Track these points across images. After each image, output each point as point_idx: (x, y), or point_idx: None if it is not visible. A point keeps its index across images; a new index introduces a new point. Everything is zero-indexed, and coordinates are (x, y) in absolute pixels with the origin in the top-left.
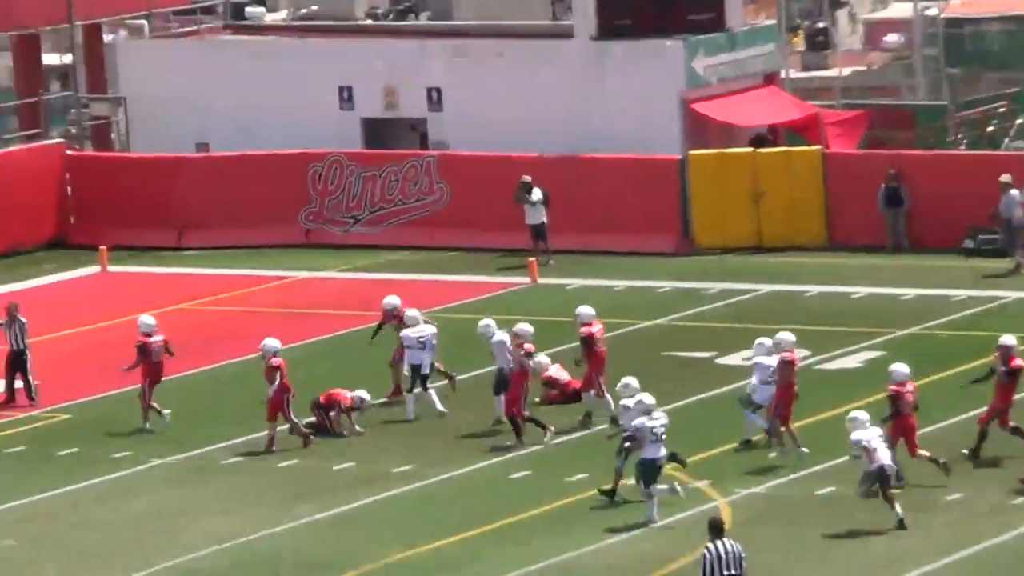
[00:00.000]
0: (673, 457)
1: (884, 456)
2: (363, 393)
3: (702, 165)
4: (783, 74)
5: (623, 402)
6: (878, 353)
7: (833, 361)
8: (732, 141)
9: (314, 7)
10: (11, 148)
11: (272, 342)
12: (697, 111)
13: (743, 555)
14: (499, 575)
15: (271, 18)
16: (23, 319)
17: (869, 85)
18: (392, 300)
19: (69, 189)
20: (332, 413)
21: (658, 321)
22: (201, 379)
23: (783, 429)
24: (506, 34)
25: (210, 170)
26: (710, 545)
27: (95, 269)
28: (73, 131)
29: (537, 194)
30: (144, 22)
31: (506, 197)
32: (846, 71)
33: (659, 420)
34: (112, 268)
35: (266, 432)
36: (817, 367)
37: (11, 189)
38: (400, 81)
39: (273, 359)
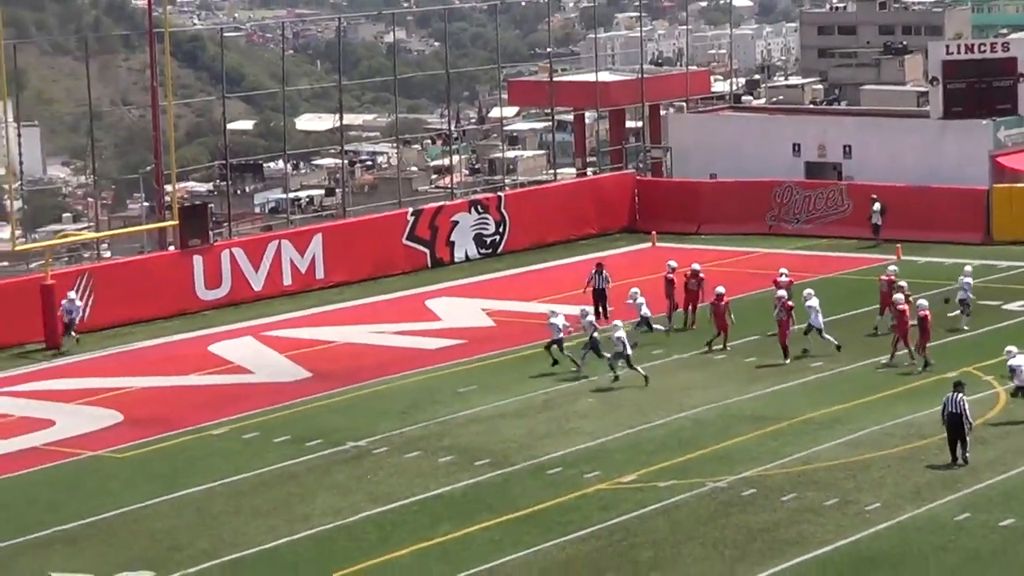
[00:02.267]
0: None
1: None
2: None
3: (1000, 193)
4: None
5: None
6: None
7: None
8: (1020, 180)
9: (781, 96)
10: (604, 175)
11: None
12: (999, 162)
13: (965, 404)
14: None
15: (756, 103)
16: (606, 273)
17: None
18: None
19: (636, 199)
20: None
21: None
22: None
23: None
24: (890, 115)
25: (716, 190)
26: (950, 393)
27: (648, 245)
28: (640, 165)
29: (878, 206)
30: (684, 104)
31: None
32: None
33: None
34: (659, 244)
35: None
36: None
37: (604, 198)
38: (827, 140)
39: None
